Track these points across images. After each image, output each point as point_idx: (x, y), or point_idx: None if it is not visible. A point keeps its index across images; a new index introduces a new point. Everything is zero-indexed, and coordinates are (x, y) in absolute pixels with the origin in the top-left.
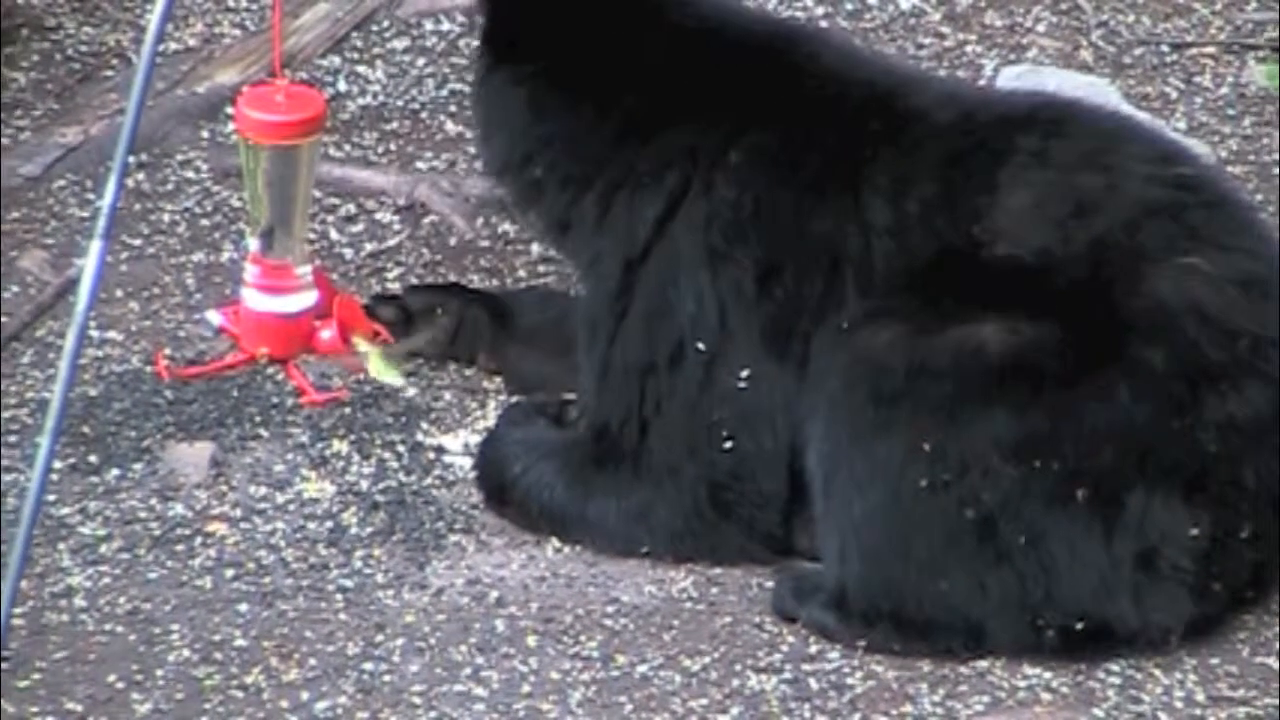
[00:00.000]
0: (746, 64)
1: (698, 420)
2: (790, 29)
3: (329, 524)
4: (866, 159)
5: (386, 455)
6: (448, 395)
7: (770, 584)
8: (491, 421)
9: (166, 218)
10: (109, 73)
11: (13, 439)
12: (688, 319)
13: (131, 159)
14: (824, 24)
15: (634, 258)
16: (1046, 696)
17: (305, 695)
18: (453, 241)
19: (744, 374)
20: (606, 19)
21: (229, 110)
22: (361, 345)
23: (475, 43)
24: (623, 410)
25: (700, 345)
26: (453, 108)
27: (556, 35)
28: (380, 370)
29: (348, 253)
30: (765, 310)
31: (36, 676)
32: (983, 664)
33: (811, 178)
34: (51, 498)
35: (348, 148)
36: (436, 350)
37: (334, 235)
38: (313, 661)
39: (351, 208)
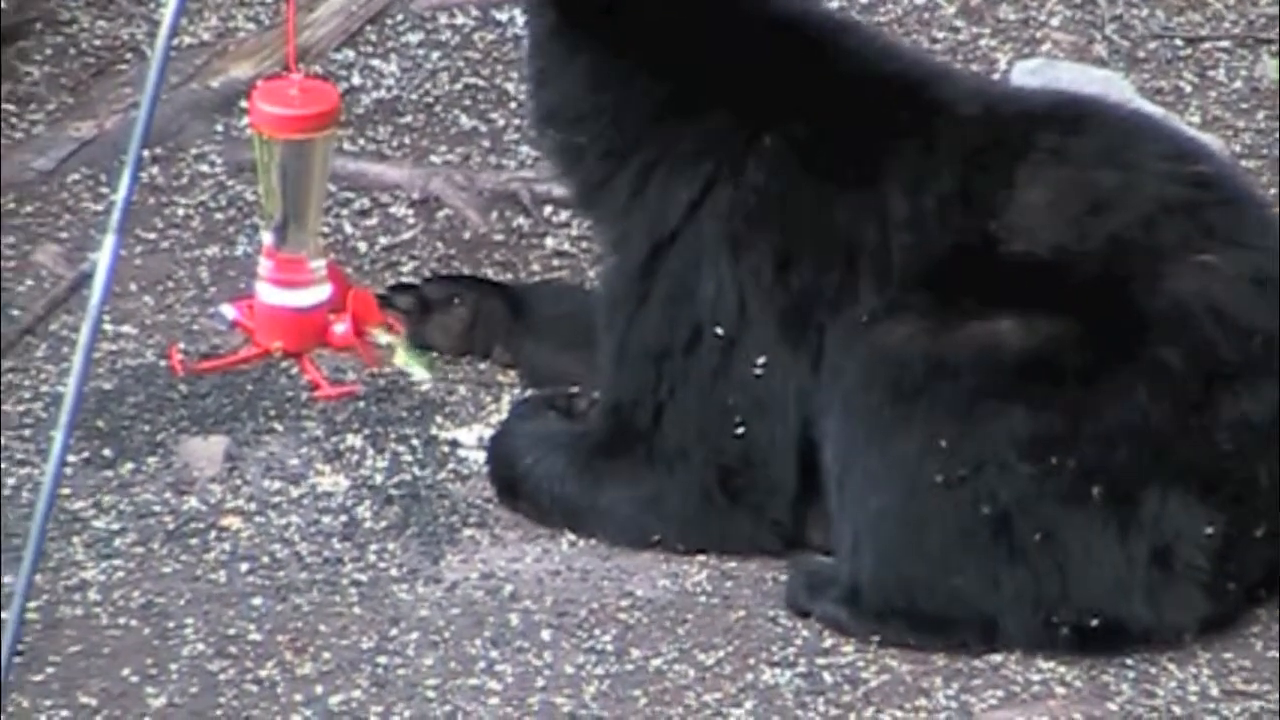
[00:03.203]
0: (785, 52)
1: (711, 405)
2: (827, 18)
3: (343, 518)
4: (890, 151)
5: (401, 449)
6: (462, 389)
7: (784, 578)
8: (506, 415)
9: (181, 212)
10: (123, 67)
11: (27, 433)
12: (707, 303)
13: (146, 153)
14: None
15: (662, 239)
16: (1060, 690)
17: (319, 689)
18: (467, 236)
19: (759, 361)
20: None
21: (243, 104)
22: (383, 338)
23: None
24: (637, 391)
25: (718, 330)
26: (467, 102)
27: (622, 5)
28: (406, 362)
29: (362, 247)
30: (783, 298)
31: (51, 670)
32: (997, 658)
33: (835, 168)
34: (66, 492)
35: (362, 141)
36: (452, 342)
37: (348, 229)
38: (327, 655)
39: (365, 202)
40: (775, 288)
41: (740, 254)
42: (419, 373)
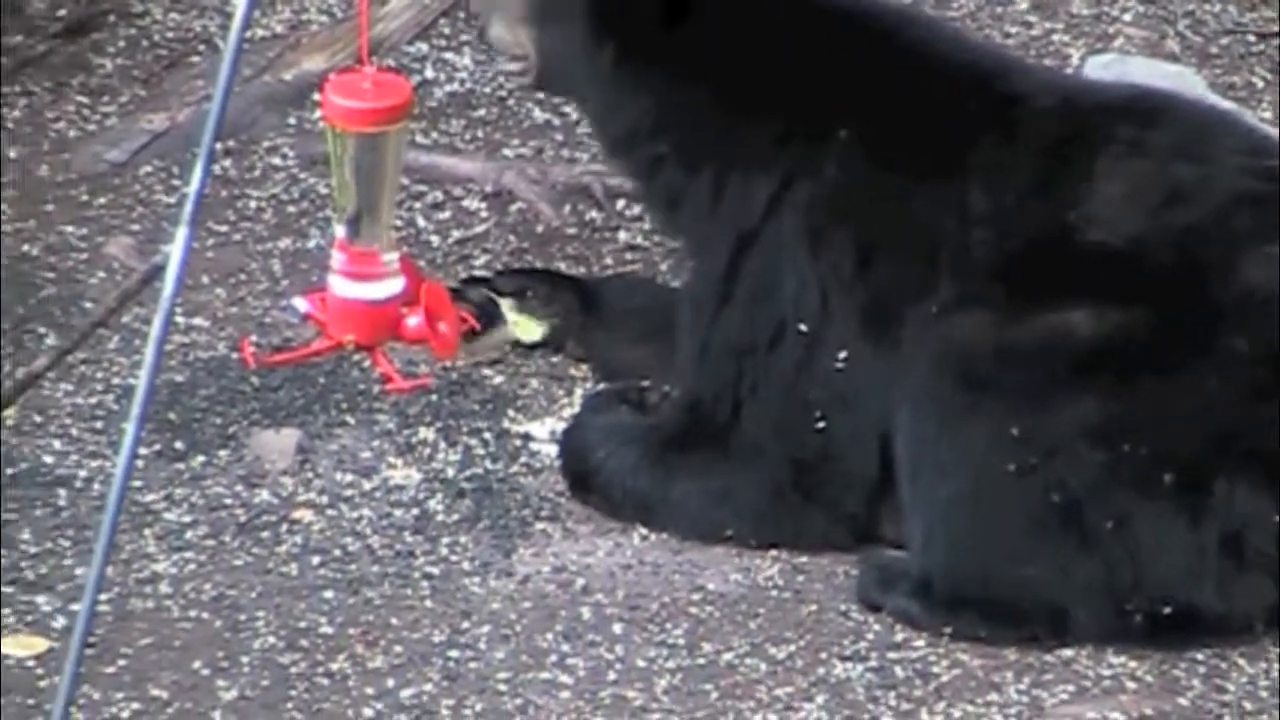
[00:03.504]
0: (856, 45)
1: (793, 400)
2: (898, 12)
3: (415, 511)
4: (968, 144)
5: (473, 442)
6: (534, 382)
7: (856, 572)
8: (578, 408)
9: (253, 204)
10: (196, 59)
11: (99, 425)
12: (790, 300)
13: (218, 145)
14: None
15: (744, 239)
16: (1131, 685)
17: (391, 682)
18: (539, 229)
19: (841, 355)
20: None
21: (316, 97)
22: (509, 311)
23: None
24: (718, 387)
25: (801, 326)
26: (539, 95)
27: (682, 21)
28: (520, 325)
29: (435, 240)
30: (864, 293)
31: (122, 663)
32: (1068, 653)
33: (913, 161)
34: (137, 484)
35: (435, 135)
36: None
37: (421, 222)
38: (398, 649)
39: (438, 195)
40: (856, 282)
41: (820, 250)
42: (533, 332)
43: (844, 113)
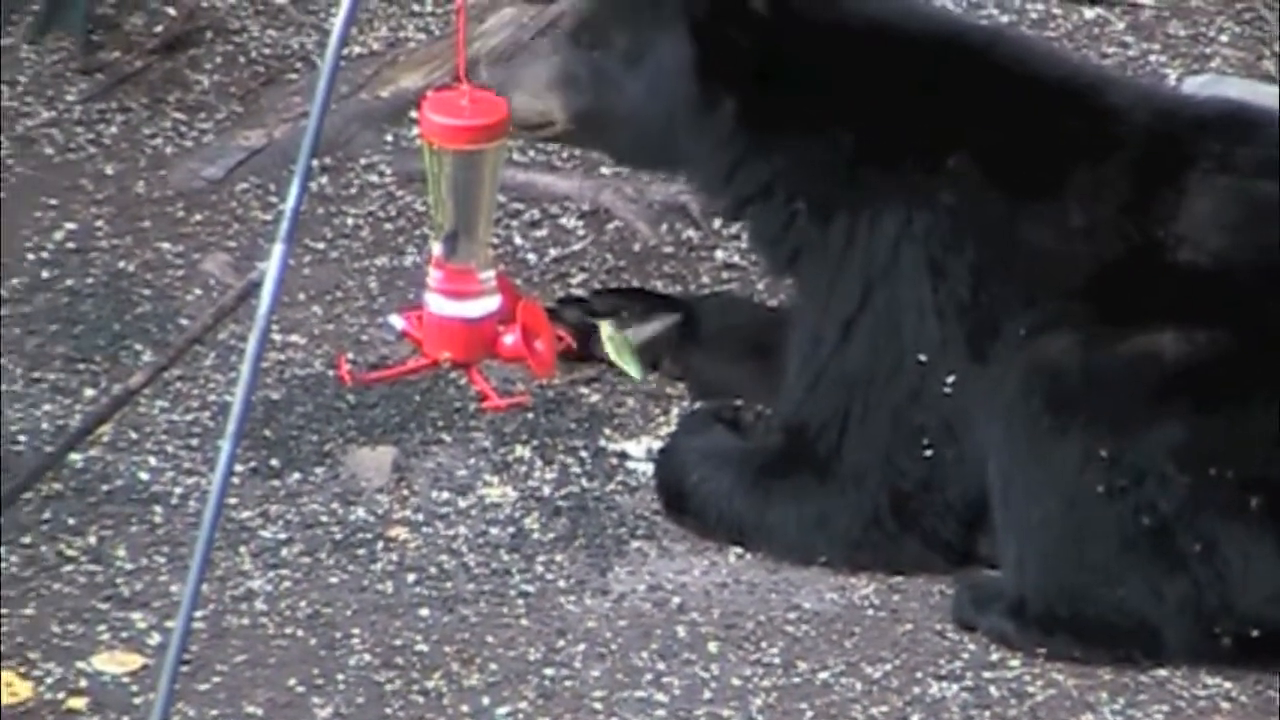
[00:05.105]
0: (954, 69)
1: (900, 426)
2: (989, 31)
3: (511, 529)
4: (1067, 160)
5: (569, 460)
6: (631, 401)
7: (951, 591)
8: (674, 427)
9: (350, 221)
10: (293, 76)
11: (194, 442)
12: (911, 331)
13: (315, 162)
14: None
15: (871, 278)
16: (1226, 706)
17: (486, 700)
18: (636, 247)
19: (949, 379)
20: (822, 42)
21: (413, 114)
22: (605, 330)
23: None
24: (826, 415)
25: (921, 357)
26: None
27: (783, 63)
28: (620, 357)
29: (531, 258)
30: (974, 316)
31: (217, 680)
32: (1162, 673)
33: (1018, 181)
34: (233, 501)
35: (532, 152)
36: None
37: (518, 240)
38: (494, 667)
39: (535, 213)
40: (968, 307)
41: (939, 279)
42: (633, 371)
43: (951, 138)
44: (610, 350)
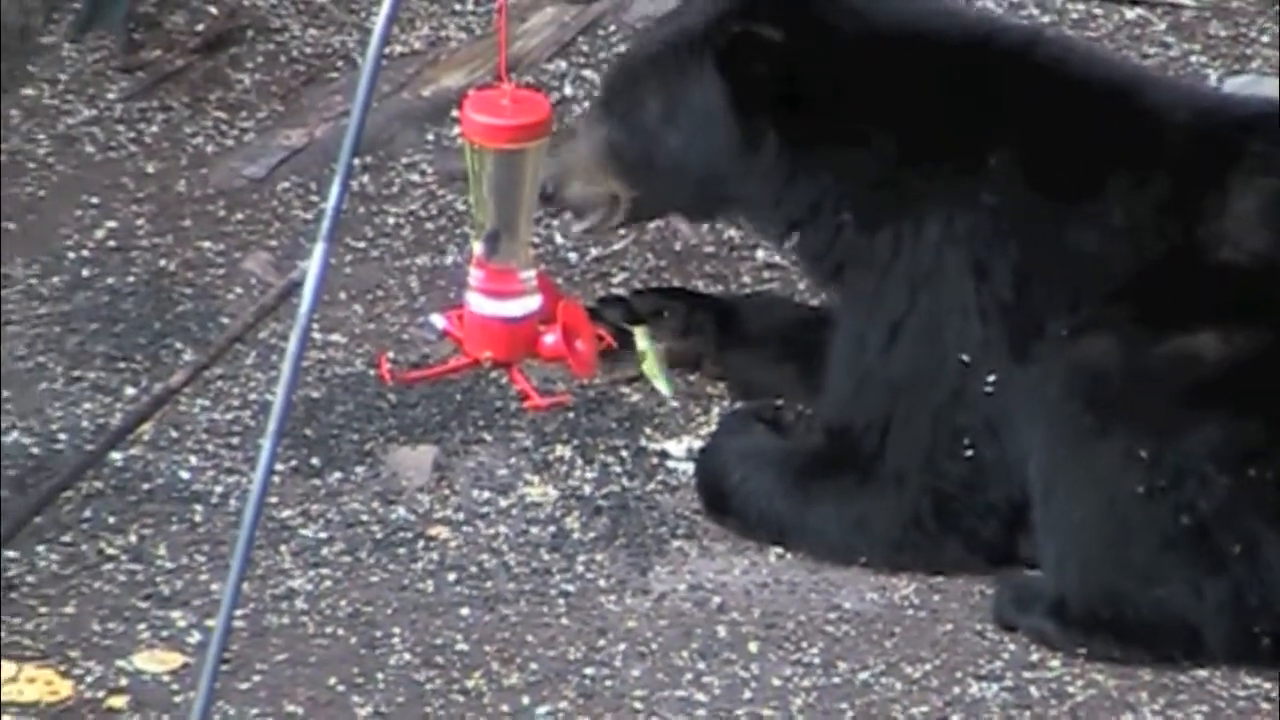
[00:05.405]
0: (993, 70)
1: (942, 427)
2: (1027, 31)
3: (551, 528)
4: (1108, 159)
5: (610, 460)
6: (672, 400)
7: (992, 591)
8: (715, 427)
9: (391, 221)
10: (334, 75)
11: (235, 441)
12: (955, 333)
13: (356, 161)
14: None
15: (917, 283)
16: (1266, 706)
17: (526, 700)
18: (677, 247)
19: (991, 379)
20: (852, 53)
21: (454, 114)
22: (641, 342)
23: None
24: (870, 416)
25: (964, 357)
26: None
27: (812, 82)
28: (653, 373)
29: (572, 257)
30: (1016, 316)
31: (257, 678)
32: (1202, 674)
33: (1059, 181)
34: (273, 500)
35: None
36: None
37: (558, 240)
38: (534, 666)
39: None
40: (1010, 308)
41: (982, 280)
42: (662, 386)
43: (992, 139)
44: (644, 365)
